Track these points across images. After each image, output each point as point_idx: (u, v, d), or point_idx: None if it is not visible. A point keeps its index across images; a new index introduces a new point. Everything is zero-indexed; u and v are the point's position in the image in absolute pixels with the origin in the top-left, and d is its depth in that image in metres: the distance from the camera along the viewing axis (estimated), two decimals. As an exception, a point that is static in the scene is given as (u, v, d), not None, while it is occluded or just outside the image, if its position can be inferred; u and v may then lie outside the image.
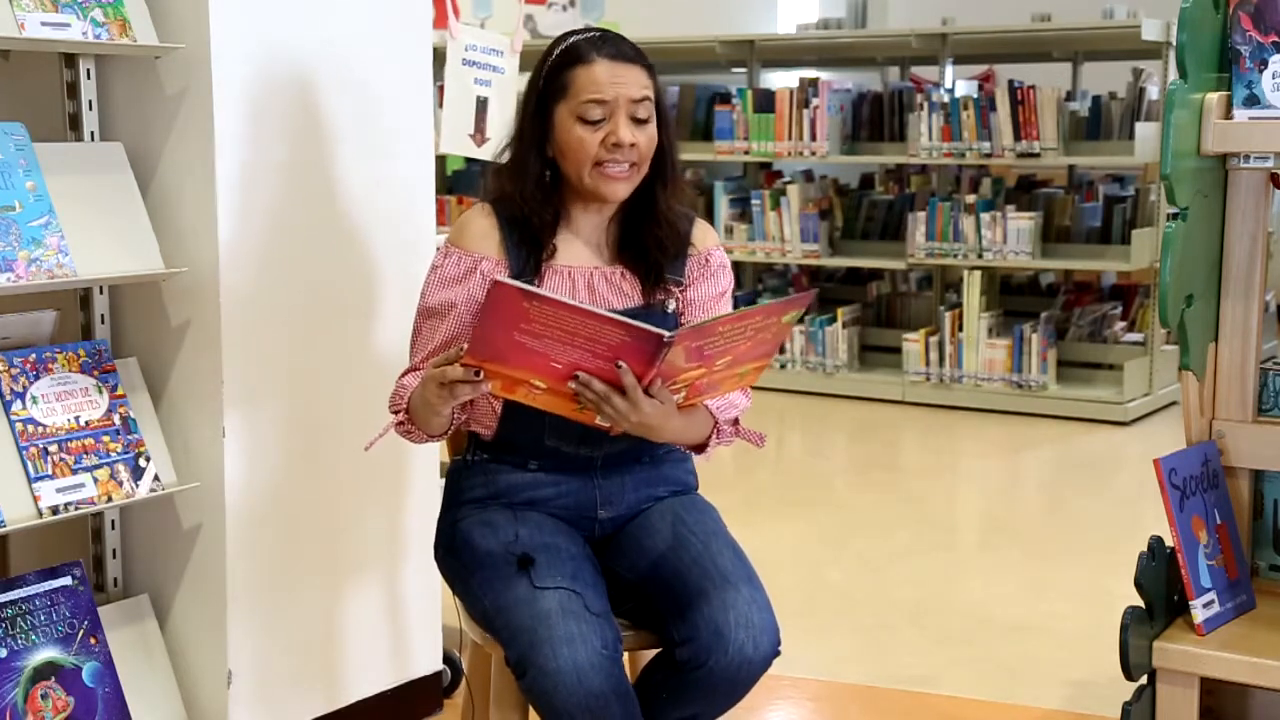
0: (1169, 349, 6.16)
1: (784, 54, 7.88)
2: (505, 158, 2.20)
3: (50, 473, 2.31)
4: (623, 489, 2.20)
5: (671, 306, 2.19)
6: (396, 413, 2.13)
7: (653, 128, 2.13)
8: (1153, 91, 6.43)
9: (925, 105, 6.32)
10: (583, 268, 2.17)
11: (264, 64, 2.49)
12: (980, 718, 3.07)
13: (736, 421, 2.20)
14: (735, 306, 2.10)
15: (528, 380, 1.90)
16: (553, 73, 2.13)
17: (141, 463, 2.43)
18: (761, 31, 9.53)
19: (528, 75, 2.22)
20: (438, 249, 2.21)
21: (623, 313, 2.11)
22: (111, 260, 2.39)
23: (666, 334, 1.82)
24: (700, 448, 2.18)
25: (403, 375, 2.17)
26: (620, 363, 1.86)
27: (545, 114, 2.13)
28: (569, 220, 2.18)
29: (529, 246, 2.14)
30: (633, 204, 2.18)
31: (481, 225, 2.17)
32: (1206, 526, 2.51)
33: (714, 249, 2.26)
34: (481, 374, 1.88)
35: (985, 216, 6.21)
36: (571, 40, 2.15)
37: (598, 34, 2.16)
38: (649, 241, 2.17)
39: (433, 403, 1.97)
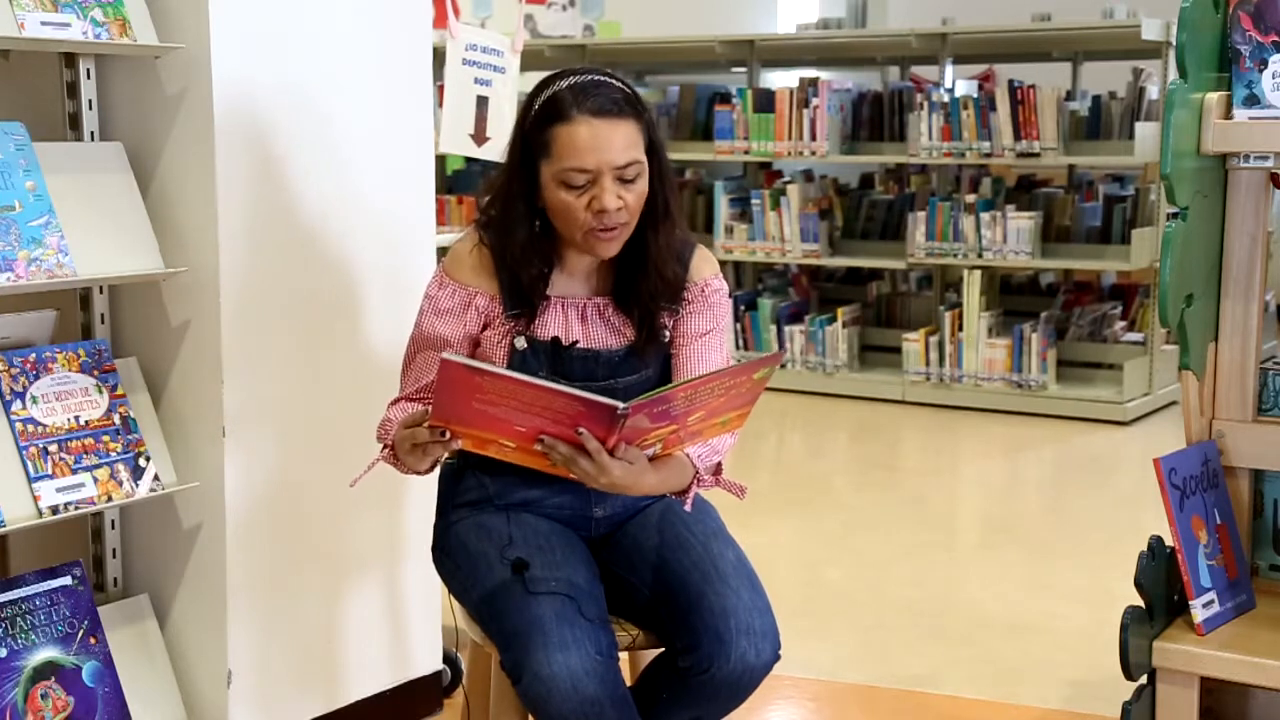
0: (1169, 349, 6.16)
1: (784, 54, 7.88)
2: (497, 181, 2.14)
3: (50, 472, 2.31)
4: (617, 487, 2.19)
5: (666, 336, 2.17)
6: (384, 444, 2.10)
7: (642, 183, 2.05)
8: (1153, 91, 6.43)
9: (925, 105, 6.32)
10: (576, 299, 2.15)
11: (263, 63, 2.49)
12: (980, 718, 3.07)
13: (719, 469, 2.16)
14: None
15: (496, 440, 1.89)
16: (535, 126, 2.04)
17: (141, 463, 2.43)
18: (761, 31, 9.54)
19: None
20: (433, 276, 2.19)
21: (617, 350, 2.13)
22: (111, 260, 2.39)
23: (621, 406, 1.80)
24: (680, 494, 2.13)
25: (392, 404, 2.14)
26: (580, 429, 1.85)
27: (531, 167, 2.06)
28: (562, 256, 2.14)
29: (519, 281, 2.11)
30: (625, 248, 2.12)
31: (474, 259, 2.13)
32: (1206, 526, 2.51)
33: (711, 278, 2.20)
34: (448, 434, 1.88)
35: (985, 216, 6.21)
36: (553, 90, 2.04)
37: (584, 81, 2.04)
38: (641, 290, 2.12)
39: (407, 462, 1.97)
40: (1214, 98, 2.43)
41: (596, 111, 2.01)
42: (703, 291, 2.19)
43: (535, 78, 2.15)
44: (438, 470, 2.27)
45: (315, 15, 2.58)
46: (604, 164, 2.00)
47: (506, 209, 2.10)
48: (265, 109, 2.50)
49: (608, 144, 2.00)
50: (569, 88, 2.03)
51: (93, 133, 2.49)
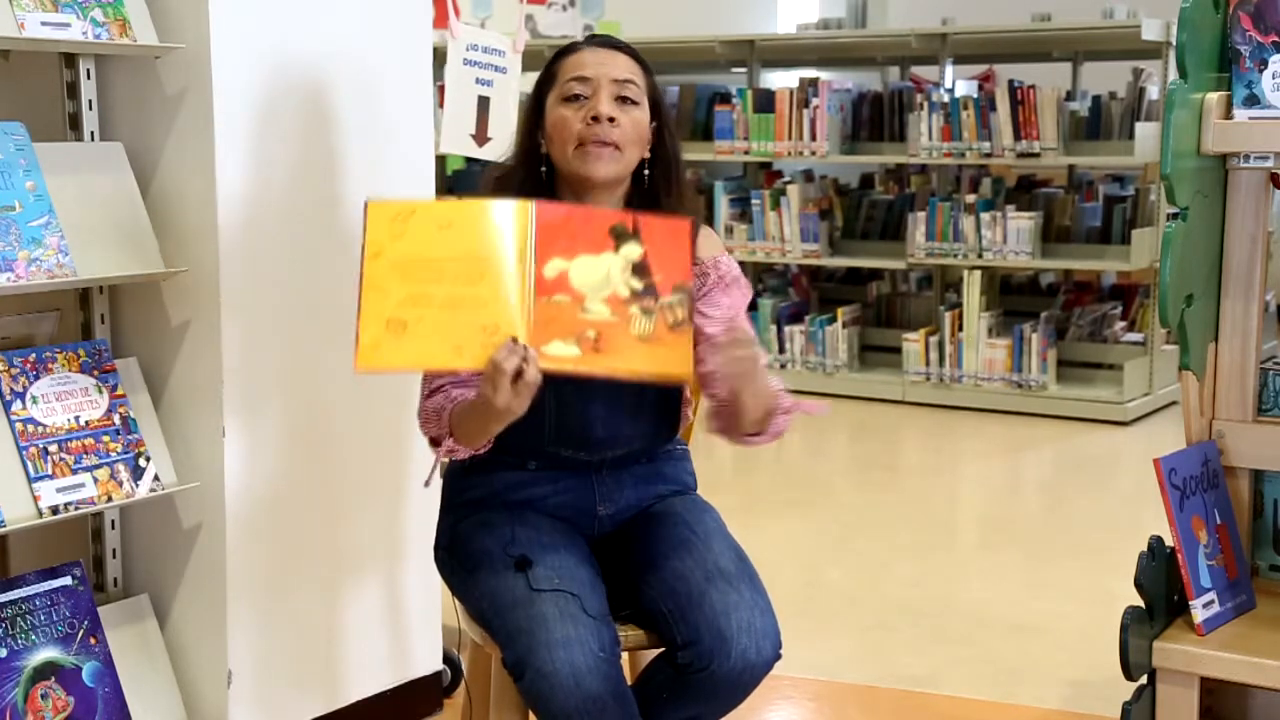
0: (1169, 349, 6.16)
1: (784, 54, 7.88)
2: (502, 169, 2.23)
3: (50, 473, 2.31)
4: (621, 486, 2.20)
5: None
6: (438, 439, 2.07)
7: (639, 113, 2.14)
8: (1153, 91, 6.43)
9: (925, 105, 6.32)
10: None
11: (264, 63, 2.49)
12: (980, 718, 3.07)
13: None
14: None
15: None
16: (547, 69, 2.18)
17: (141, 463, 2.43)
18: (761, 31, 9.53)
19: (529, 75, 2.24)
20: None
21: None
22: (111, 260, 2.39)
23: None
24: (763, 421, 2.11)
25: (428, 397, 2.11)
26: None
27: (540, 109, 2.17)
28: None
29: None
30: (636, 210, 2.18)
31: None
32: (1206, 526, 2.51)
33: (720, 257, 2.23)
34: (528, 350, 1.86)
35: (985, 216, 6.21)
36: (570, 43, 2.20)
37: (596, 35, 2.20)
38: None
39: (505, 408, 1.88)
40: (1214, 98, 2.43)
41: (601, 44, 2.18)
42: (716, 268, 2.21)
43: (536, 78, 2.20)
44: (439, 470, 2.27)
45: (315, 15, 2.58)
46: (603, 75, 2.12)
47: (516, 155, 2.21)
48: (265, 109, 2.50)
49: (609, 62, 2.14)
50: (583, 39, 2.21)
51: (93, 133, 2.49)
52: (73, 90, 2.48)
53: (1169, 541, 2.48)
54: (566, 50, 2.18)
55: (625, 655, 2.12)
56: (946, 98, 6.38)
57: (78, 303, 2.56)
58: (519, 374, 1.85)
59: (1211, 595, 2.48)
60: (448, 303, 1.89)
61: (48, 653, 2.35)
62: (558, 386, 2.00)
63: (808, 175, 7.17)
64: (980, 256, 6.24)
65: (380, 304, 1.90)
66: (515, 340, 1.87)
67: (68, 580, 2.40)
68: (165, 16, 2.46)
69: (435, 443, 2.10)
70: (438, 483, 2.28)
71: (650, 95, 2.17)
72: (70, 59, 2.47)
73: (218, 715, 2.56)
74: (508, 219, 1.90)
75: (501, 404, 1.87)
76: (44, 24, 2.31)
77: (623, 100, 2.12)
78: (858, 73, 8.55)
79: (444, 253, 1.90)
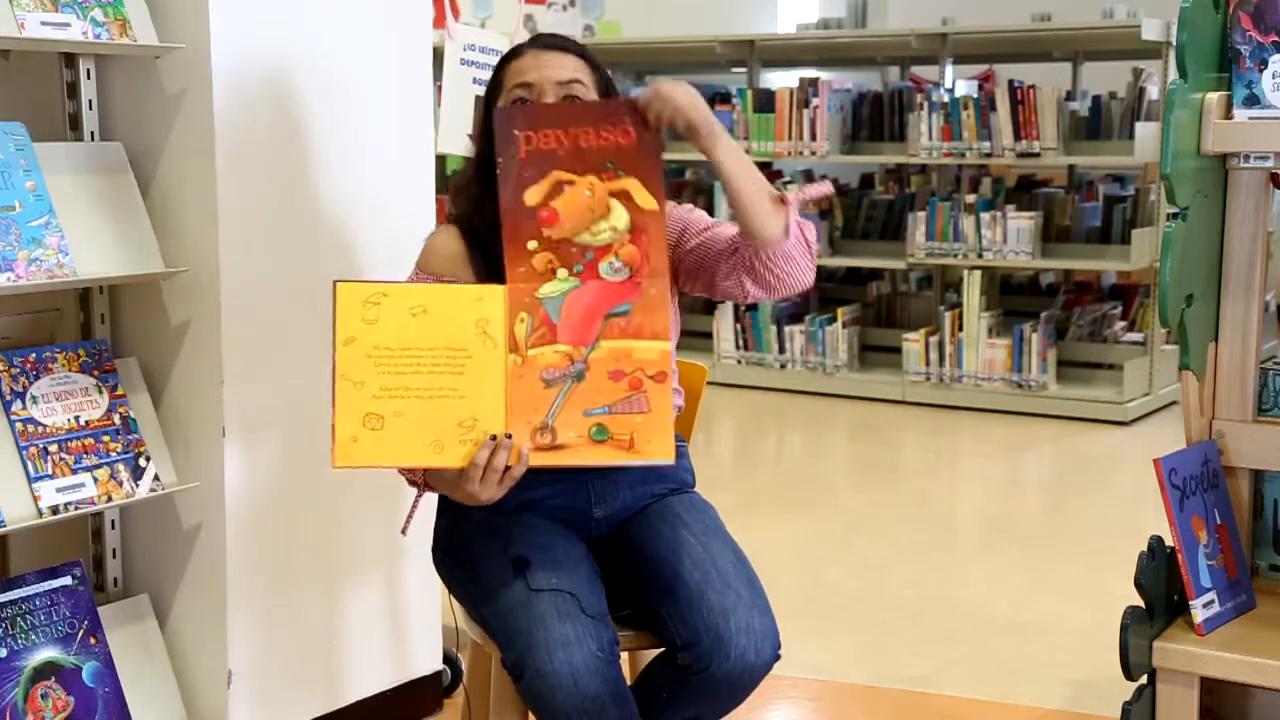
0: (1169, 349, 6.16)
1: (784, 54, 7.88)
2: (464, 177, 2.20)
3: (50, 472, 2.31)
4: (616, 489, 2.20)
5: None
6: (414, 483, 2.13)
7: None
8: (1153, 91, 6.43)
9: (925, 105, 6.32)
10: None
11: (264, 63, 2.49)
12: (980, 718, 3.07)
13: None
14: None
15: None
16: (494, 76, 2.17)
17: (141, 463, 2.43)
18: (761, 31, 9.53)
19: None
20: (408, 277, 2.20)
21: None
22: (111, 260, 2.39)
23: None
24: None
25: None
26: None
27: (491, 118, 2.12)
28: None
29: (495, 261, 2.10)
30: None
31: (446, 246, 2.17)
32: (1206, 526, 2.51)
33: (670, 210, 2.20)
34: (512, 437, 1.90)
35: (985, 216, 6.21)
36: (514, 47, 2.18)
37: (541, 34, 2.19)
38: None
39: (484, 495, 1.94)
40: (1214, 98, 2.43)
41: (543, 45, 2.14)
42: (675, 213, 2.22)
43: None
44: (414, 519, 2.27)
45: (315, 15, 2.58)
46: (545, 79, 2.09)
47: (475, 169, 2.18)
48: (265, 109, 2.50)
49: (550, 64, 2.11)
50: (527, 40, 2.18)
51: (93, 133, 2.49)
52: (73, 90, 2.48)
53: (1169, 541, 2.48)
54: (511, 55, 2.16)
55: (625, 655, 2.12)
56: (946, 98, 6.38)
57: (78, 303, 2.56)
58: (507, 468, 1.92)
59: (1211, 595, 2.48)
60: (424, 396, 1.89)
61: (48, 653, 2.35)
62: None
63: (808, 175, 7.18)
64: (980, 256, 6.24)
65: (355, 396, 1.87)
66: (494, 437, 1.90)
67: (68, 580, 2.40)
68: (165, 16, 2.46)
69: (412, 483, 2.14)
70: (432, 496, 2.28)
71: (601, 91, 2.15)
72: (70, 59, 2.47)
73: (218, 715, 2.56)
74: (481, 305, 1.92)
75: (485, 498, 1.94)
76: (44, 24, 2.31)
77: (569, 100, 2.10)
78: (858, 73, 8.55)
79: (419, 342, 1.89)
